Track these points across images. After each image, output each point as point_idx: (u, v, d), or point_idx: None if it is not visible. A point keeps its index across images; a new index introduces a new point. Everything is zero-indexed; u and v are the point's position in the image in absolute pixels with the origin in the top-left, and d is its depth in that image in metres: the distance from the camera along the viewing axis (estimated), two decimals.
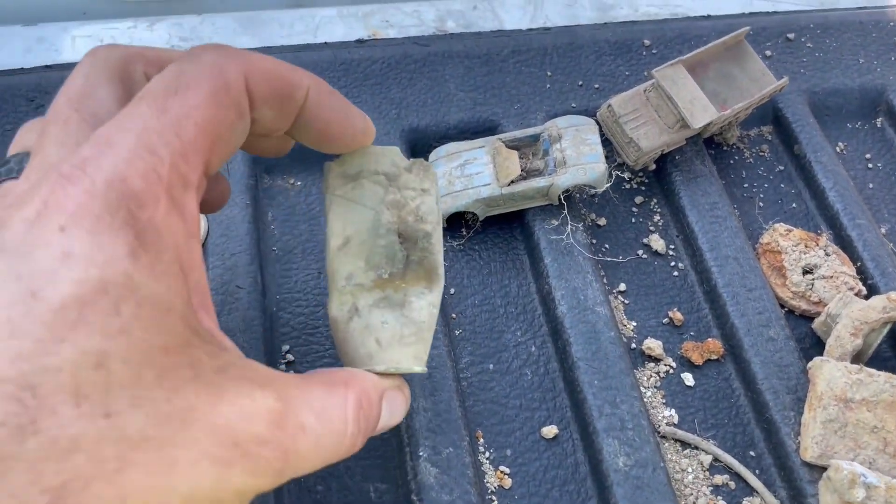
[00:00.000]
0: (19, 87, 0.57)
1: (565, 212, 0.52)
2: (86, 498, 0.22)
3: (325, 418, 0.29)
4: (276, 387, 0.28)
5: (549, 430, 0.46)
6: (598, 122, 0.57)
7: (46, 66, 0.59)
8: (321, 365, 0.48)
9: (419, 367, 0.38)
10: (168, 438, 0.24)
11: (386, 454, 0.45)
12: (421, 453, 0.43)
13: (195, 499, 0.24)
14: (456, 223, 0.55)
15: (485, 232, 0.55)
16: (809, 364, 0.46)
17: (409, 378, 0.42)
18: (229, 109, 0.28)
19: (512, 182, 0.52)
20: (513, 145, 0.54)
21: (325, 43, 0.62)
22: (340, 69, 0.60)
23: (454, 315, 0.51)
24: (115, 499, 0.23)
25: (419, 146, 0.58)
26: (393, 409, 0.35)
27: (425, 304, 0.38)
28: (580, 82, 0.61)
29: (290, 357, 0.48)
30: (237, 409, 0.26)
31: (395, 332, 0.37)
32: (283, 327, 0.50)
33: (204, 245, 0.51)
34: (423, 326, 0.38)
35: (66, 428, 0.22)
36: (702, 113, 0.54)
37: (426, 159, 0.57)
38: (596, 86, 0.61)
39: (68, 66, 0.59)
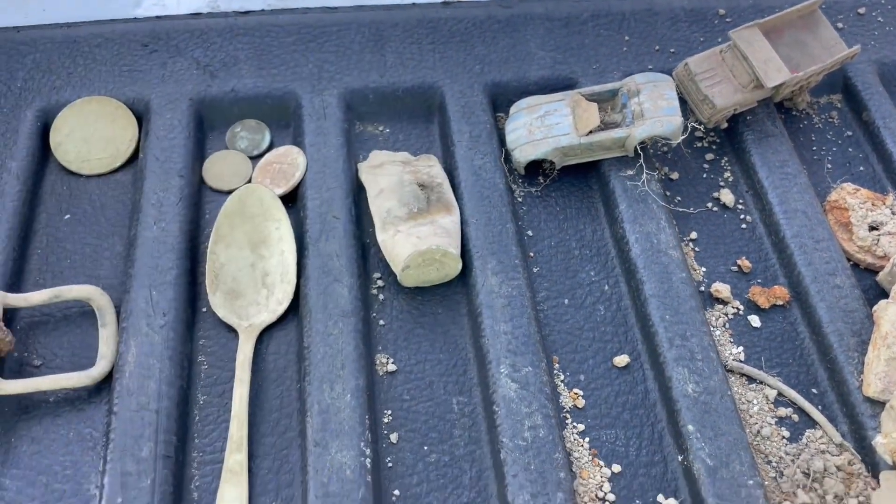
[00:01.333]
0: (134, 34, 0.61)
1: (641, 161, 0.55)
2: None
3: None
4: None
5: (621, 360, 0.49)
6: (674, 80, 0.60)
7: (157, 17, 0.64)
8: (404, 294, 0.52)
9: (454, 249, 0.50)
10: None
11: (467, 371, 0.48)
12: (502, 370, 0.47)
13: None
14: (533, 172, 0.58)
15: (561, 181, 0.58)
16: (875, 307, 0.48)
17: (488, 303, 0.47)
18: None
19: (590, 132, 0.55)
20: (592, 98, 0.57)
21: (414, 4, 0.66)
22: (428, 27, 0.63)
23: (532, 254, 0.54)
24: None
25: (500, 99, 0.61)
26: None
27: (448, 221, 0.52)
28: (657, 47, 0.64)
29: (380, 283, 0.52)
30: None
31: (430, 232, 0.50)
32: (373, 257, 0.53)
33: (302, 180, 0.55)
34: (450, 230, 0.51)
35: None
36: (776, 73, 0.56)
37: (507, 112, 0.60)
38: (672, 50, 0.64)
39: (177, 18, 0.64)
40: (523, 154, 0.56)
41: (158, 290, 0.49)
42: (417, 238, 0.50)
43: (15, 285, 0.50)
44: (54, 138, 0.57)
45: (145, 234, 0.51)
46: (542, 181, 0.58)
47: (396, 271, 0.51)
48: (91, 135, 0.57)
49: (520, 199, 0.57)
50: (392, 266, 0.51)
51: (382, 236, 0.52)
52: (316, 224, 0.52)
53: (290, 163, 0.56)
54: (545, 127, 0.57)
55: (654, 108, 0.55)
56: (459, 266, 0.51)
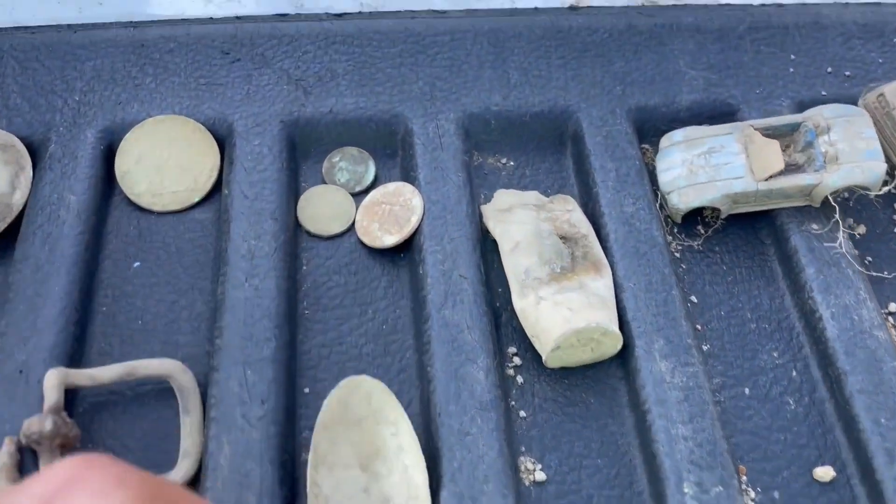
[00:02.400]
0: (212, 38, 0.52)
1: (836, 216, 0.45)
2: None
3: None
4: None
5: (824, 472, 0.40)
6: None
7: (237, 18, 0.54)
8: (548, 377, 0.42)
9: (615, 326, 0.41)
10: None
11: (634, 484, 0.39)
12: (685, 489, 0.37)
13: None
14: (691, 219, 0.48)
15: (725, 231, 0.48)
16: None
17: (659, 397, 0.38)
18: None
19: (771, 177, 0.46)
20: (767, 133, 0.47)
21: (536, 8, 0.56)
22: (556, 38, 0.53)
23: (699, 326, 0.44)
24: None
25: (646, 128, 0.51)
26: None
27: (600, 284, 0.43)
28: (829, 68, 0.53)
29: (516, 360, 0.43)
30: None
31: (583, 302, 0.41)
32: (505, 325, 0.44)
33: (418, 227, 0.45)
34: (605, 299, 0.42)
35: None
36: None
37: (657, 143, 0.50)
38: (847, 73, 0.54)
39: (261, 19, 0.54)
40: (684, 200, 0.47)
41: (254, 368, 0.40)
42: (569, 310, 0.41)
43: (77, 355, 0.42)
44: (121, 165, 0.48)
45: (235, 294, 0.42)
46: (702, 231, 0.48)
47: (541, 350, 0.41)
48: (165, 162, 0.48)
49: (677, 255, 0.47)
50: (535, 342, 0.42)
51: (521, 303, 0.42)
52: (439, 285, 0.43)
53: (402, 204, 0.46)
54: (711, 167, 0.47)
55: (851, 151, 0.45)
56: (620, 345, 0.42)
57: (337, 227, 0.46)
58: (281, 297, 0.42)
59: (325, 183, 0.48)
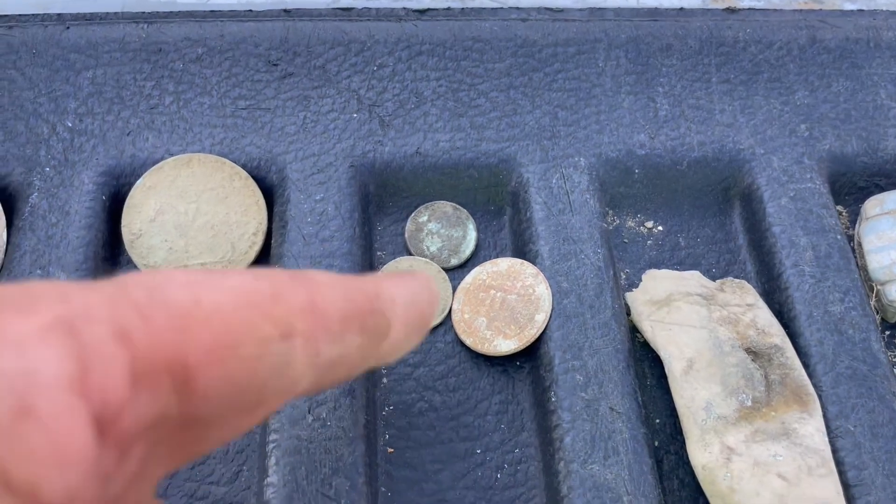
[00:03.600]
0: (255, 41, 0.38)
1: None
2: None
3: None
4: None
5: None
6: None
7: (286, 12, 0.40)
8: None
9: (842, 497, 0.29)
10: None
11: None
12: None
13: None
14: None
15: None
16: None
17: None
18: None
19: None
20: None
21: (682, 9, 0.42)
22: (718, 53, 0.39)
23: None
24: None
25: (842, 184, 0.38)
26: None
27: (813, 429, 0.30)
28: None
29: None
30: None
31: (799, 464, 0.29)
32: (667, 477, 0.31)
33: (545, 330, 0.32)
34: (824, 456, 0.30)
35: None
36: None
37: (854, 206, 0.37)
38: None
39: (318, 16, 0.40)
40: None
41: None
42: (780, 479, 0.28)
43: None
44: (130, 225, 0.34)
45: (295, 432, 0.29)
46: None
47: None
48: (191, 221, 0.34)
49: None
50: None
51: (703, 458, 0.30)
52: (582, 423, 0.30)
53: (521, 293, 0.33)
54: None
55: None
56: None
57: None
58: (359, 438, 0.30)
59: (409, 253, 0.35)
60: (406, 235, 0.36)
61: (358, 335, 0.20)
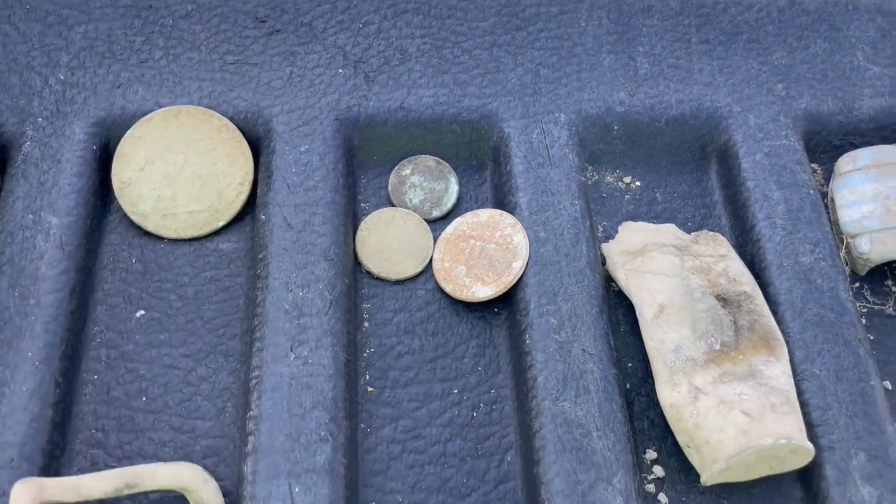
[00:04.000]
0: (245, 0, 0.39)
1: None
2: None
3: None
4: None
5: None
6: None
7: None
8: (699, 494, 0.31)
9: (807, 442, 0.29)
10: None
11: None
12: None
13: None
14: (877, 273, 0.36)
15: None
16: None
17: None
18: None
19: None
20: None
21: None
22: (699, 14, 0.40)
23: None
24: None
25: (816, 143, 0.39)
26: None
27: (779, 372, 0.31)
28: None
29: (657, 471, 0.31)
30: None
31: (763, 402, 0.30)
32: (638, 417, 0.32)
33: (521, 277, 0.33)
34: (788, 395, 0.30)
35: None
36: None
37: (829, 164, 0.38)
38: None
39: None
40: (878, 248, 0.34)
41: (303, 483, 0.28)
42: (744, 415, 0.29)
43: (57, 451, 0.30)
44: (120, 174, 0.35)
45: (276, 368, 0.30)
46: (893, 289, 0.36)
47: (701, 466, 0.30)
48: (179, 171, 0.35)
49: (863, 322, 0.35)
50: (690, 453, 0.30)
51: (672, 397, 0.31)
52: (555, 364, 0.31)
53: (500, 242, 0.34)
54: None
55: None
56: (807, 461, 0.30)
57: (410, 268, 0.35)
58: (339, 375, 0.31)
59: (391, 205, 0.36)
60: (389, 188, 0.36)
61: None
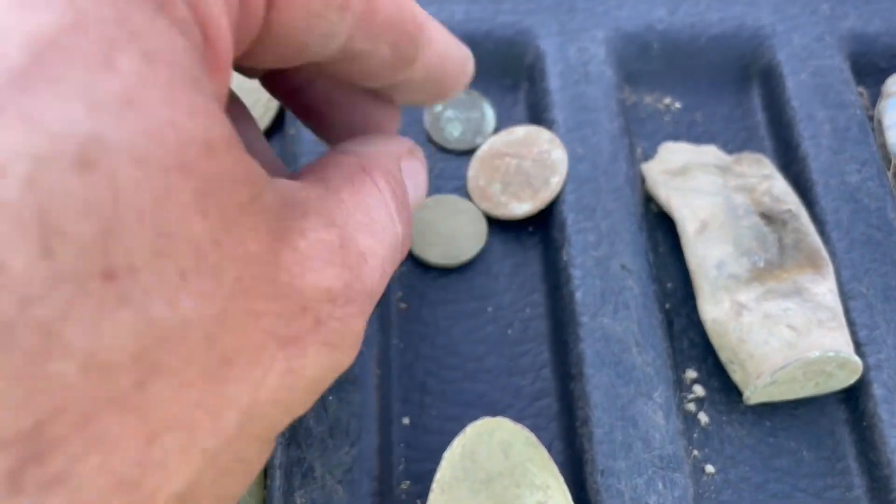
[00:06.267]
0: None
1: None
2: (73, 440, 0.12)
3: (377, 231, 0.20)
4: (320, 211, 0.18)
5: None
6: None
7: None
8: (741, 415, 0.30)
9: (855, 356, 0.29)
10: (216, 317, 0.14)
11: None
12: None
13: (258, 408, 0.16)
14: None
15: None
16: None
17: None
18: None
19: None
20: None
21: None
22: None
23: None
24: (137, 433, 0.13)
25: (863, 64, 0.37)
26: (416, 182, 0.24)
27: (825, 289, 0.30)
28: None
29: (697, 390, 0.30)
30: (298, 256, 0.17)
31: (809, 317, 0.29)
32: (678, 337, 0.32)
33: (559, 193, 0.32)
34: (835, 311, 0.30)
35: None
36: None
37: (876, 86, 0.37)
38: None
39: None
40: None
41: (336, 392, 0.28)
42: (789, 328, 0.28)
43: None
44: None
45: None
46: None
47: (744, 382, 0.29)
48: None
49: None
50: (732, 368, 0.29)
51: (714, 312, 0.30)
52: (592, 280, 0.31)
53: (537, 158, 0.33)
54: None
55: None
56: (855, 378, 0.30)
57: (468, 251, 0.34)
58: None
59: (430, 141, 0.35)
60: (427, 126, 0.35)
61: (388, 47, 0.20)
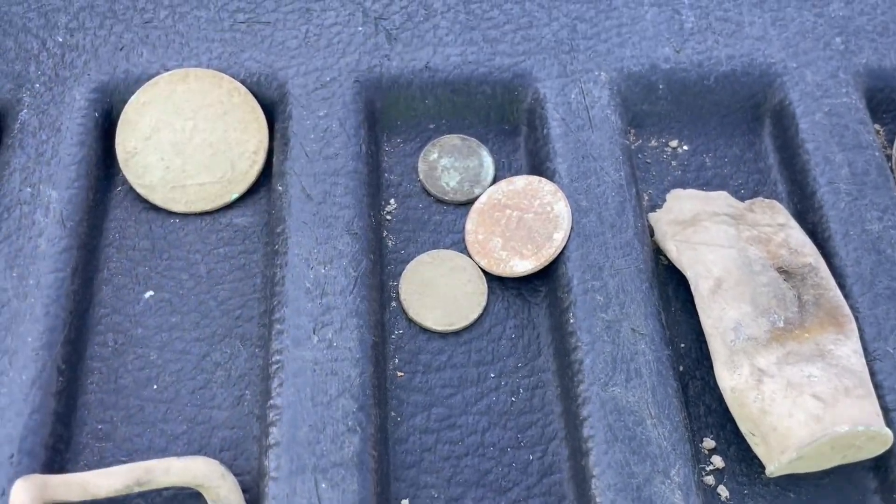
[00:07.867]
0: None
1: None
2: None
3: None
4: None
5: None
6: None
7: None
8: (764, 488, 0.28)
9: (885, 428, 0.26)
10: None
11: None
12: None
13: None
14: None
15: None
16: None
17: None
18: None
19: None
20: None
21: None
22: None
23: None
24: None
25: (879, 100, 0.35)
26: None
27: (849, 351, 0.28)
28: None
29: (716, 461, 0.29)
30: None
31: (835, 385, 0.27)
32: (693, 403, 0.30)
33: (563, 249, 0.30)
34: (863, 377, 0.28)
35: None
36: None
37: (894, 123, 0.35)
38: None
39: None
40: None
41: (330, 478, 0.26)
42: (815, 399, 0.27)
43: (60, 444, 0.28)
44: (124, 143, 0.33)
45: (298, 353, 0.28)
46: None
47: (767, 457, 0.27)
48: (188, 139, 0.33)
49: None
50: (753, 441, 0.27)
51: (732, 380, 0.28)
52: (602, 345, 0.29)
53: (539, 211, 0.31)
54: None
55: None
56: (884, 449, 0.28)
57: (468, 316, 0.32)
58: (366, 359, 0.28)
59: (426, 192, 0.33)
60: (421, 177, 0.33)
61: None
